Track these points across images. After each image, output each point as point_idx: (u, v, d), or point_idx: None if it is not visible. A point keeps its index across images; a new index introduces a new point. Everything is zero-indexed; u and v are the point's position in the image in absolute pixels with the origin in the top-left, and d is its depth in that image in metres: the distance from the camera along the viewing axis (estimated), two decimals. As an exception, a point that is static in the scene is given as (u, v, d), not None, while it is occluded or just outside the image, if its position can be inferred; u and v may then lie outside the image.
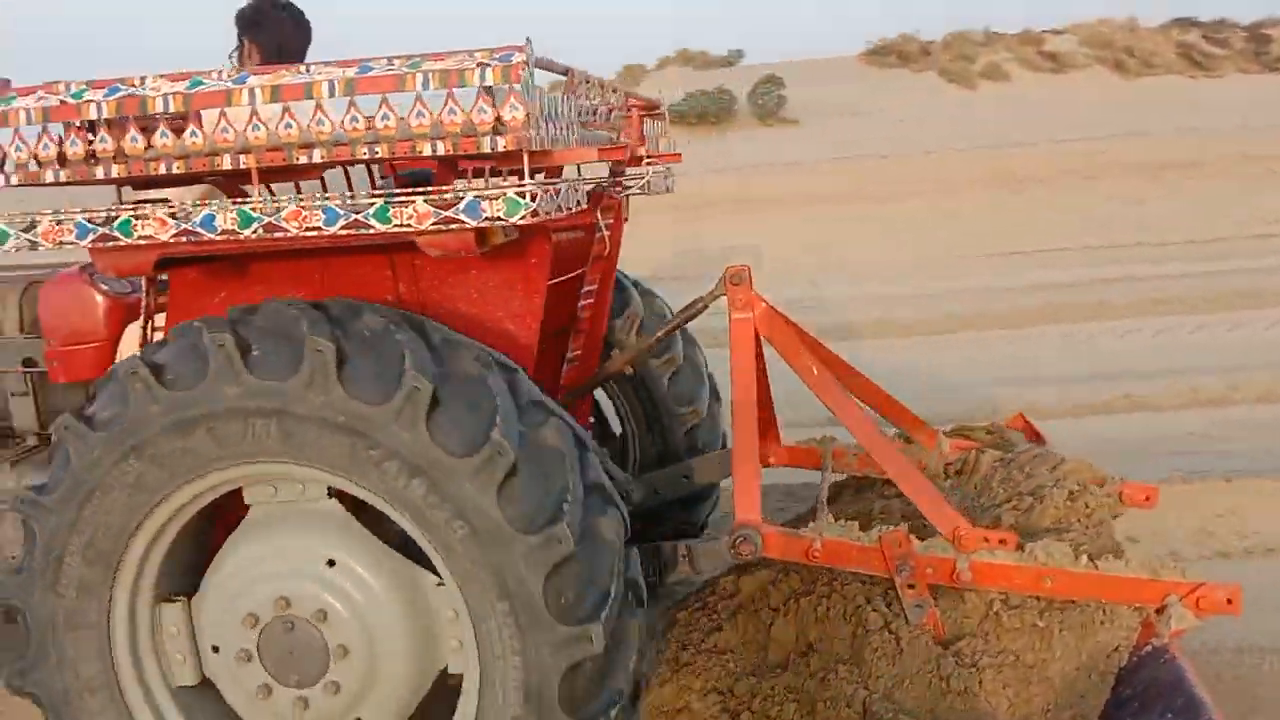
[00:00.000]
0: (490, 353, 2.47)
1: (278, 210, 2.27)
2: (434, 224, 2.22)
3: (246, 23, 3.40)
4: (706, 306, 3.29)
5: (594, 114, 2.88)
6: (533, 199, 2.18)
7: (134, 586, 2.52)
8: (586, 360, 3.47)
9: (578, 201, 2.51)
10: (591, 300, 3.43)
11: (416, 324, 2.45)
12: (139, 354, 2.46)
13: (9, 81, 2.32)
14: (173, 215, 2.33)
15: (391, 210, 2.22)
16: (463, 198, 2.20)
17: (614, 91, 3.15)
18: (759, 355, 3.13)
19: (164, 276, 2.83)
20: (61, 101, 2.31)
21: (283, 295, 2.54)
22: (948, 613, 2.75)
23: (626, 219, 3.56)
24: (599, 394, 3.95)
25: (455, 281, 2.70)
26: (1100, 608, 2.62)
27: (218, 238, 2.32)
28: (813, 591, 3.00)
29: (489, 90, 2.16)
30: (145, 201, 2.62)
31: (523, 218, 2.18)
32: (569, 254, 3.26)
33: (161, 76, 2.29)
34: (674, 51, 24.89)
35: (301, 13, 3.52)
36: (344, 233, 2.26)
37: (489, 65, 2.16)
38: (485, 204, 2.19)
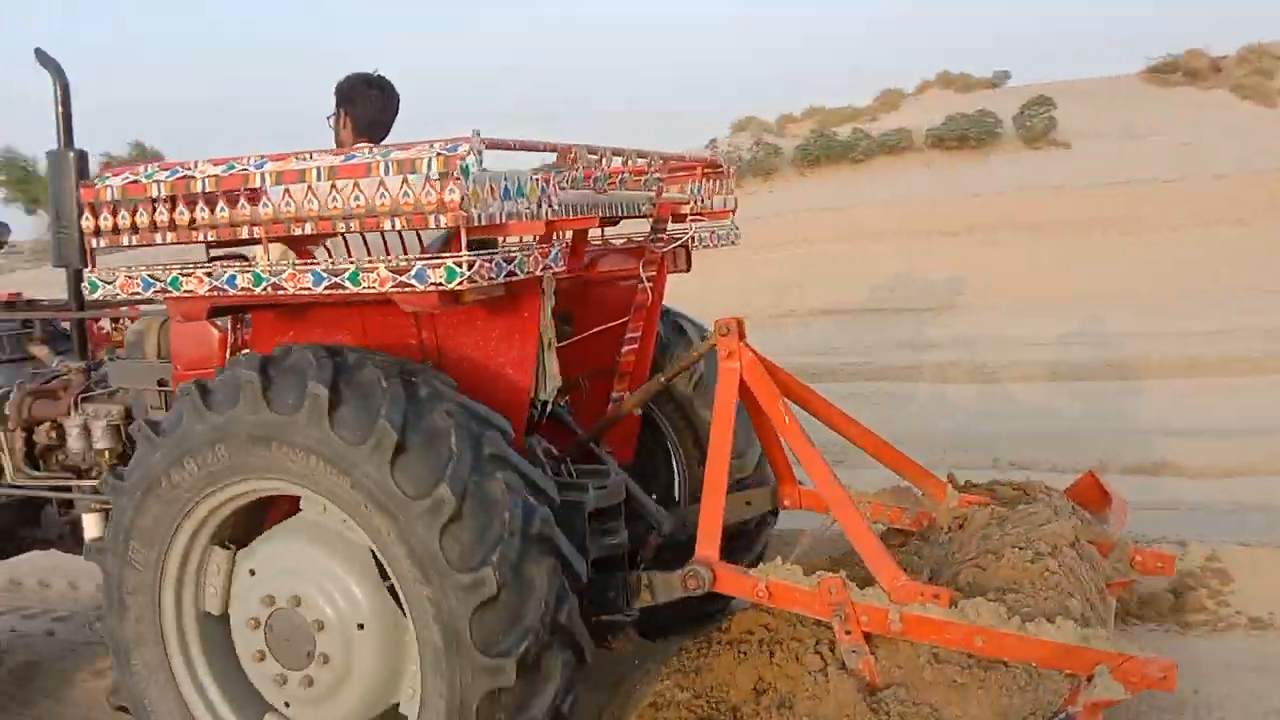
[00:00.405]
0: (470, 407, 2.81)
1: (280, 273, 2.76)
2: (392, 287, 2.63)
3: (343, 96, 3.77)
4: (702, 356, 3.51)
5: (608, 181, 3.21)
6: (469, 267, 2.54)
7: (192, 559, 3.08)
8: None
9: (546, 266, 2.83)
10: (635, 345, 3.73)
11: (411, 375, 2.83)
12: (198, 379, 2.99)
13: (109, 161, 2.94)
14: (209, 274, 2.86)
15: (361, 275, 2.67)
16: (412, 266, 2.62)
17: (641, 157, 3.46)
18: (772, 400, 3.29)
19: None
20: (135, 181, 2.91)
21: (331, 338, 3.05)
22: (883, 661, 2.82)
23: (688, 268, 3.90)
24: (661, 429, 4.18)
25: (463, 331, 3.11)
26: (1027, 671, 2.61)
27: (238, 293, 2.84)
28: (779, 635, 3.14)
29: (439, 176, 2.55)
30: (223, 257, 3.23)
31: (459, 283, 2.55)
32: (611, 303, 3.80)
33: (208, 160, 2.83)
34: (934, 75, 24.28)
35: (391, 87, 3.84)
36: (327, 292, 2.71)
37: (434, 156, 2.55)
38: (430, 271, 2.59)
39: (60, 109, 4.06)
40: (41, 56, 4.04)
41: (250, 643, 3.01)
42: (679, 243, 3.72)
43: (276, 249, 2.93)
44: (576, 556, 2.87)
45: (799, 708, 2.85)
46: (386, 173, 2.60)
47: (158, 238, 2.94)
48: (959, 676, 2.68)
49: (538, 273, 2.81)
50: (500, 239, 2.78)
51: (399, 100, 3.87)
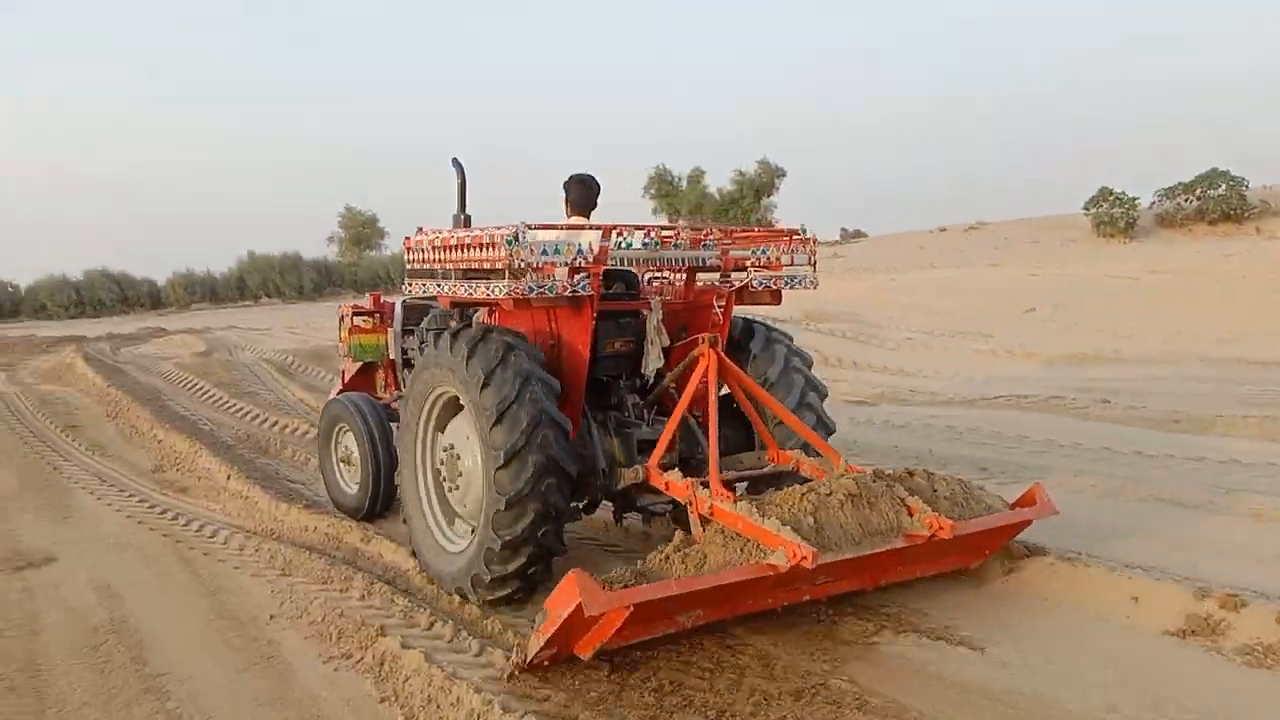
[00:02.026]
0: (529, 368, 4.89)
1: (456, 288, 5.36)
2: (502, 294, 4.96)
3: (564, 186, 5.96)
4: (698, 359, 5.17)
5: (659, 243, 5.50)
6: (510, 290, 4.89)
7: (428, 425, 5.54)
8: (749, 382, 5.51)
9: (573, 289, 5.02)
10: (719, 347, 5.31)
11: (511, 347, 4.94)
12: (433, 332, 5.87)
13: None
14: (450, 287, 5.41)
15: (477, 289, 5.15)
16: (492, 286, 5.06)
17: (697, 228, 5.73)
18: (734, 379, 5.34)
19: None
20: (431, 238, 5.50)
21: (506, 321, 5.34)
22: (707, 530, 4.54)
23: (776, 302, 5.89)
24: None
25: (550, 321, 5.42)
26: (755, 544, 4.31)
27: (460, 296, 5.34)
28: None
29: (501, 244, 4.88)
30: (472, 279, 5.28)
31: (508, 295, 4.90)
32: (689, 322, 5.86)
33: (480, 229, 5.15)
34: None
35: (591, 180, 5.95)
36: (479, 295, 5.15)
37: (496, 234, 4.91)
38: (499, 289, 4.98)
39: (460, 189, 6.46)
40: (454, 162, 6.48)
41: (441, 468, 5.44)
42: (738, 285, 5.68)
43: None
44: (569, 461, 4.89)
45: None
46: (487, 243, 5.01)
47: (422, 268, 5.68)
48: (718, 539, 4.38)
49: (565, 294, 5.01)
50: (550, 274, 5.02)
51: (598, 187, 5.97)
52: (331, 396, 7.54)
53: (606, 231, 5.05)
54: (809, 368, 5.83)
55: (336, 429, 7.16)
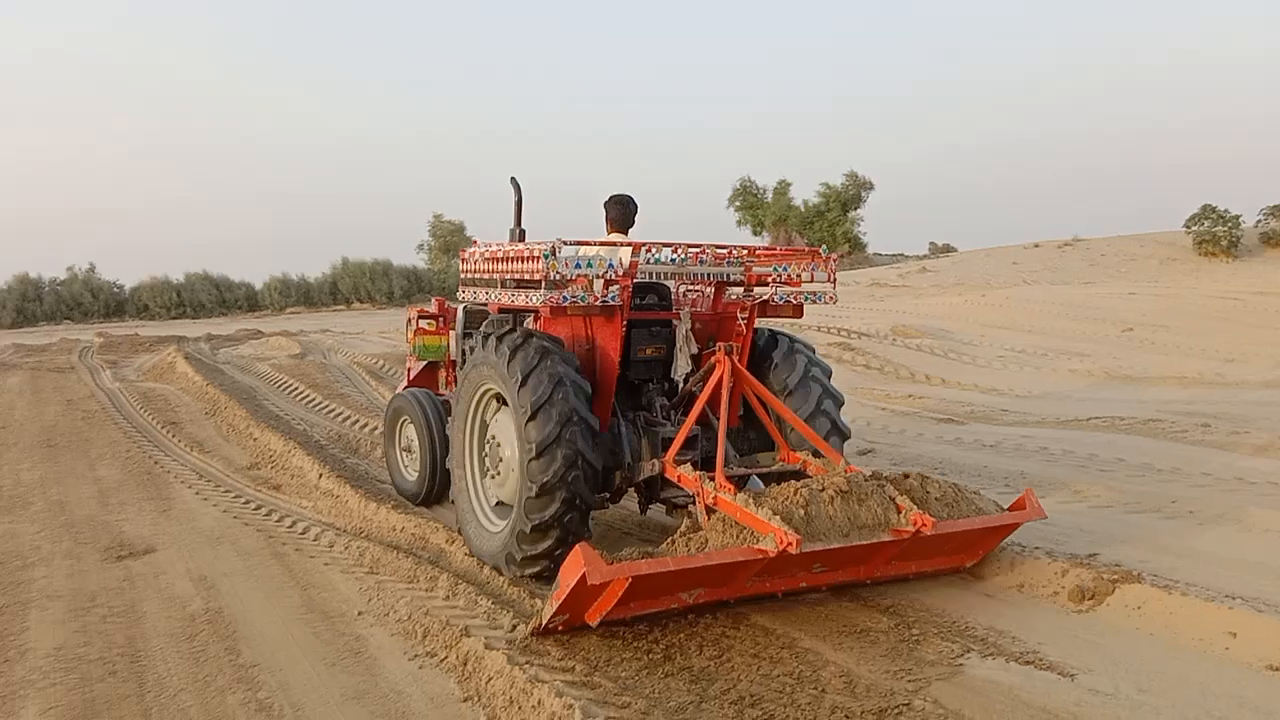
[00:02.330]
0: (563, 371, 5.46)
1: (506, 295, 6.20)
2: (539, 303, 5.65)
3: (605, 204, 6.68)
4: (714, 365, 5.76)
5: (686, 259, 5.85)
6: (546, 299, 5.57)
7: (476, 418, 6.20)
8: (760, 387, 6.02)
9: (604, 300, 5.66)
10: (735, 356, 5.88)
11: (546, 352, 5.52)
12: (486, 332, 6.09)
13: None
14: (498, 296, 6.31)
15: (518, 297, 5.95)
16: (531, 295, 5.75)
17: (722, 247, 5.98)
18: (742, 383, 5.86)
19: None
20: (483, 251, 6.40)
21: (557, 330, 5.93)
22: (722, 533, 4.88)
23: (798, 315, 6.44)
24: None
25: (586, 328, 6.09)
26: (750, 531, 4.81)
27: (505, 302, 6.21)
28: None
29: (545, 256, 5.50)
30: (521, 289, 6.05)
31: (544, 303, 5.58)
32: (716, 332, 6.37)
33: (527, 244, 5.97)
34: None
35: (627, 199, 6.65)
36: (520, 303, 5.96)
37: (535, 249, 5.60)
38: (526, 296, 5.85)
39: (516, 206, 7.01)
40: (513, 180, 7.04)
41: (488, 459, 6.07)
42: (761, 299, 6.16)
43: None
44: (595, 456, 5.43)
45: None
46: (528, 257, 5.74)
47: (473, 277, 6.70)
48: (719, 527, 4.89)
49: (597, 303, 5.66)
50: (584, 285, 5.66)
51: (636, 207, 6.66)
52: (397, 391, 8.16)
53: (636, 248, 5.58)
54: (827, 377, 6.34)
55: (400, 421, 7.76)
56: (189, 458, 9.31)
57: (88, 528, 7.00)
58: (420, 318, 8.00)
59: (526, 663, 4.28)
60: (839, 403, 6.28)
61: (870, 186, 40.96)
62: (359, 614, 5.25)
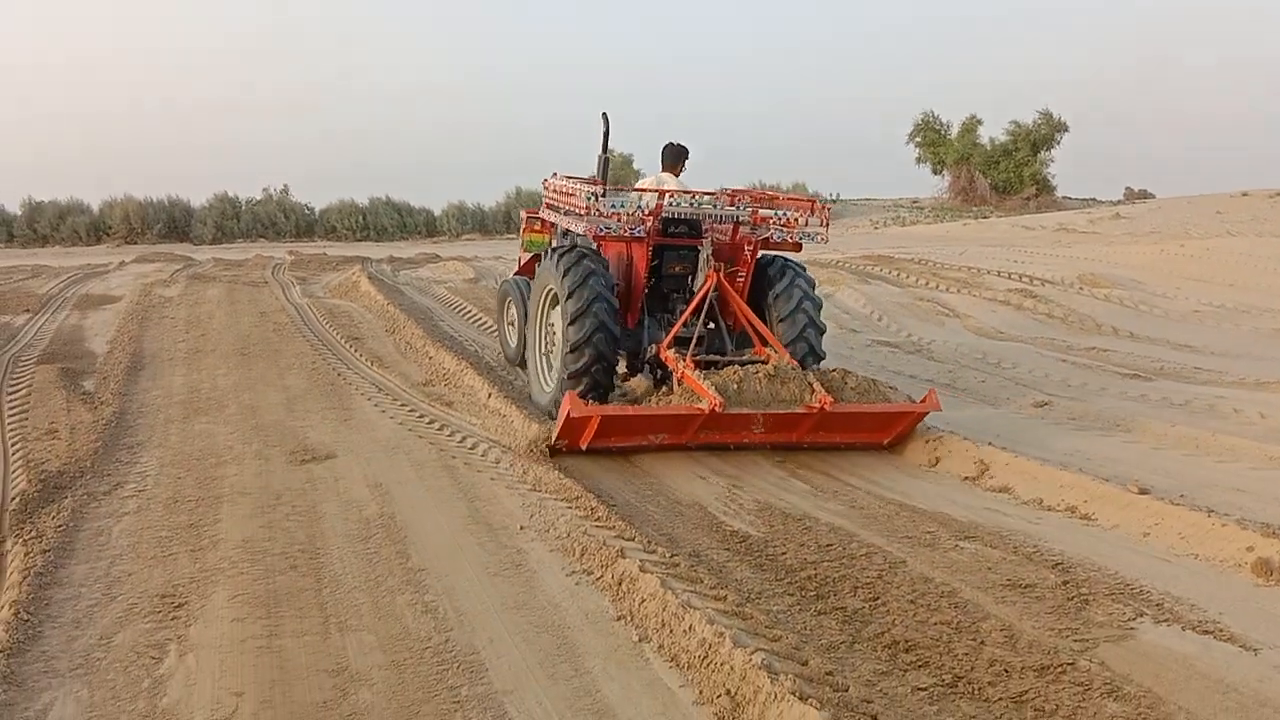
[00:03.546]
0: (600, 274, 7.30)
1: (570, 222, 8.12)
2: (581, 230, 7.73)
3: (663, 150, 8.47)
4: (712, 287, 7.47)
5: (703, 203, 7.73)
6: (586, 228, 7.50)
7: (541, 308, 8.14)
8: (735, 310, 7.71)
9: (634, 230, 7.49)
10: (741, 279, 7.85)
11: (592, 268, 7.30)
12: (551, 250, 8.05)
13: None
14: (561, 219, 8.44)
15: (573, 224, 8.00)
16: (579, 225, 7.73)
17: (731, 194, 8.03)
18: (729, 292, 7.58)
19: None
20: (554, 184, 8.54)
21: (605, 250, 7.96)
22: (684, 397, 6.85)
23: (798, 249, 7.99)
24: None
25: (632, 249, 7.85)
26: (697, 396, 6.69)
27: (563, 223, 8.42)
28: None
29: (583, 198, 7.61)
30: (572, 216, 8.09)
31: (584, 232, 7.60)
32: (729, 255, 7.83)
33: (562, 177, 8.52)
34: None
35: (681, 147, 8.44)
36: (573, 227, 8.00)
37: (581, 190, 7.69)
38: (575, 224, 7.89)
39: (604, 137, 8.06)
40: (603, 115, 8.04)
41: (545, 337, 8.07)
42: (763, 235, 7.81)
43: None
44: (614, 325, 7.24)
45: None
46: (576, 194, 7.81)
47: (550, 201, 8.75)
48: (681, 393, 6.88)
49: (627, 235, 7.48)
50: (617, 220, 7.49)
51: (687, 153, 8.42)
52: (507, 278, 10.49)
53: (661, 194, 7.50)
54: (811, 288, 7.90)
55: (506, 300, 9.92)
56: (369, 371, 9.77)
57: (275, 432, 7.46)
58: (529, 218, 9.87)
59: (680, 588, 4.32)
60: (817, 305, 7.86)
61: (1065, 128, 38.61)
62: (521, 528, 5.42)
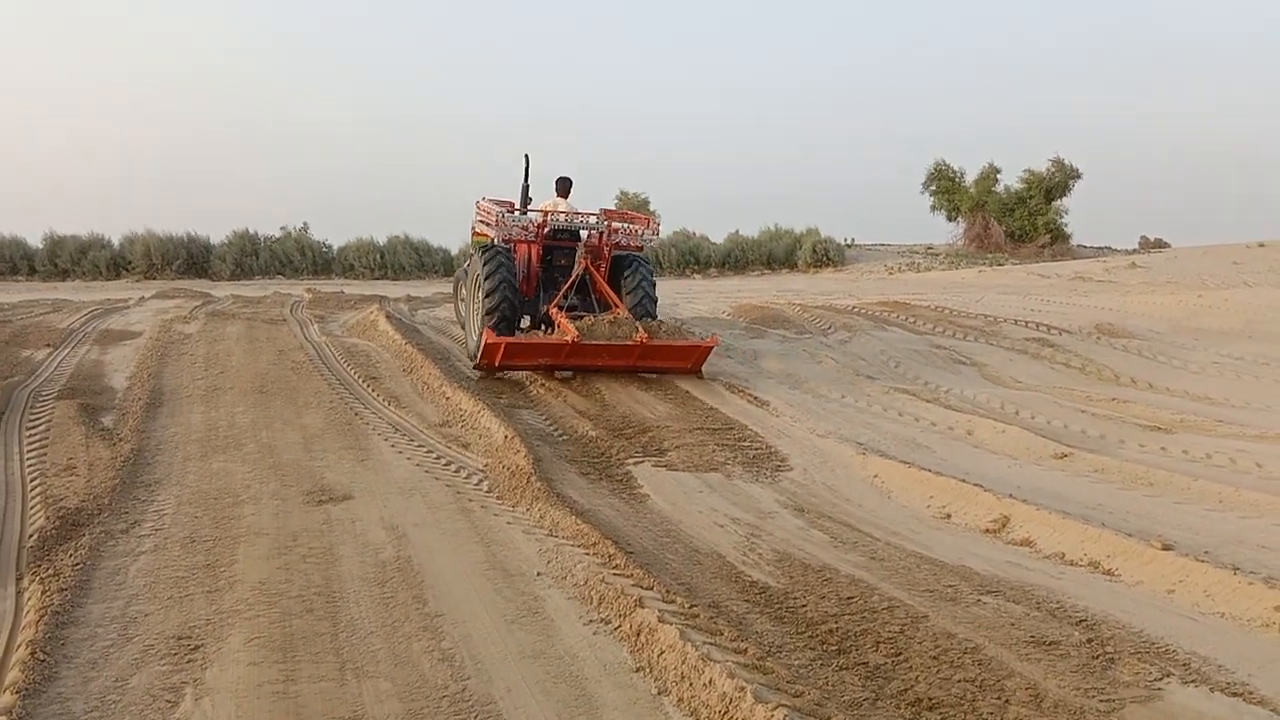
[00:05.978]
0: (505, 263, 11.44)
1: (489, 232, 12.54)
2: (497, 239, 12.24)
3: (556, 181, 12.57)
4: (582, 270, 11.70)
5: (574, 220, 12.12)
6: (497, 238, 12.03)
7: (473, 288, 11.94)
8: (598, 285, 11.79)
9: (526, 239, 12.00)
10: (602, 267, 11.90)
11: (501, 260, 11.45)
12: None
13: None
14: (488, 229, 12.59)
15: (490, 234, 12.48)
16: (496, 233, 12.14)
17: (592, 215, 12.23)
18: (596, 279, 11.79)
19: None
20: (488, 209, 12.42)
21: (517, 250, 12.22)
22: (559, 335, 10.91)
23: (641, 250, 12.23)
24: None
25: (530, 250, 12.15)
26: (564, 333, 10.93)
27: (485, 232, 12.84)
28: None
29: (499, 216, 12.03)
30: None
31: (496, 240, 12.05)
32: (595, 252, 11.97)
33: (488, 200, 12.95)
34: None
35: (567, 179, 12.58)
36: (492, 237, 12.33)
37: (498, 211, 12.05)
38: (491, 234, 12.29)
39: (525, 175, 12.38)
40: (525, 156, 12.45)
41: (475, 308, 11.98)
42: (615, 240, 11.89)
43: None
44: (515, 294, 11.40)
45: None
46: (491, 215, 12.25)
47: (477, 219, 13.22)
48: (560, 333, 10.91)
49: (526, 241, 11.99)
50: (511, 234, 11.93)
51: (571, 183, 12.51)
52: (461, 267, 14.63)
53: (544, 214, 11.67)
54: (650, 274, 11.95)
55: (458, 284, 14.00)
56: (386, 411, 9.78)
57: (293, 471, 7.45)
58: (479, 222, 12.94)
59: (700, 640, 4.27)
60: (652, 284, 11.86)
61: (1078, 175, 38.69)
62: (538, 574, 5.38)
